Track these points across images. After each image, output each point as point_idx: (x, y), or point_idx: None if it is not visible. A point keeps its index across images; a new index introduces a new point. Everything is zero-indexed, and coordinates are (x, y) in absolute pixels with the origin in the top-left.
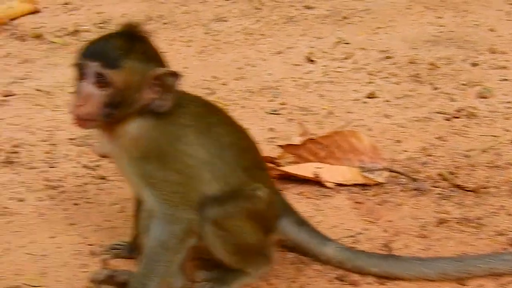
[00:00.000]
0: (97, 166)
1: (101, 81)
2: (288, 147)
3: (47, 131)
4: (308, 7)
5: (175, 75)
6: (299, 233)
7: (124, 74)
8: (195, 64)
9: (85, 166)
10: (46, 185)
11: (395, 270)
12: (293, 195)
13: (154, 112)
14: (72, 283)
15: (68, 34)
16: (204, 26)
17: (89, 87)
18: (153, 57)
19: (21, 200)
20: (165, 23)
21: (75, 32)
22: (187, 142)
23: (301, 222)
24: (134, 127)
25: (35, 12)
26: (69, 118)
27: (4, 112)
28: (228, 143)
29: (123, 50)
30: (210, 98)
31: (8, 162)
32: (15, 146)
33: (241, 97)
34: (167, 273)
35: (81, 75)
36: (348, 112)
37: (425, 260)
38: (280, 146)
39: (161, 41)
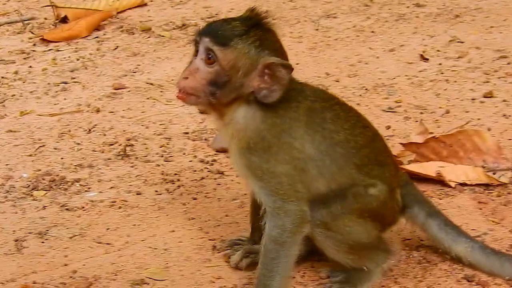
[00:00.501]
0: (214, 160)
1: (210, 57)
2: (409, 145)
3: (161, 124)
4: (418, 5)
5: (288, 67)
6: (429, 225)
7: (233, 54)
8: (306, 60)
9: (201, 161)
10: (163, 179)
11: None
12: None
13: (261, 102)
14: (196, 278)
15: (176, 28)
16: (313, 22)
17: (198, 61)
18: (269, 46)
19: (139, 193)
20: (273, 19)
21: (183, 26)
22: (295, 136)
23: (433, 214)
24: (240, 115)
25: (142, 5)
26: (183, 112)
27: (117, 105)
28: (341, 140)
29: (236, 30)
30: None
31: (124, 155)
32: (129, 139)
33: (356, 94)
34: (287, 269)
35: (195, 51)
36: (466, 112)
37: None
38: (401, 144)
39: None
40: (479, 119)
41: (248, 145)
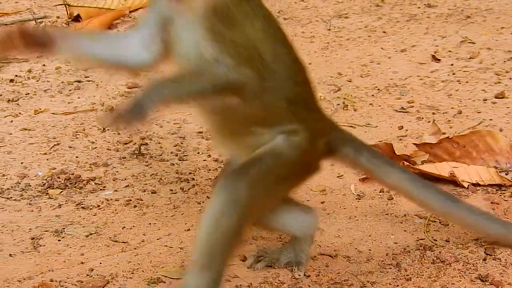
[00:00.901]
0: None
1: None
2: (423, 146)
3: (175, 123)
4: (429, 6)
5: None
6: (359, 161)
7: None
8: (319, 60)
9: (215, 160)
10: (178, 177)
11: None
12: None
13: None
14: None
15: None
16: (325, 22)
17: None
18: None
19: (154, 192)
20: (285, 19)
21: None
22: (255, 25)
23: (361, 149)
24: None
25: None
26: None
27: None
28: (286, 62)
29: None
30: (336, 95)
31: (139, 154)
32: (144, 138)
33: (368, 94)
34: (182, 95)
35: None
36: (478, 112)
37: None
38: (415, 144)
39: None
40: (491, 119)
41: (212, 11)
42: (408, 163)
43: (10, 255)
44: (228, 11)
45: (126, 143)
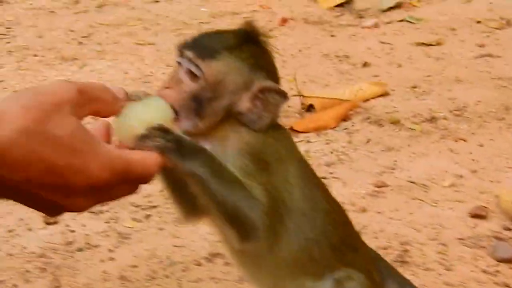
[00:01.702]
0: (497, 271)
1: (193, 71)
2: None
3: (433, 228)
4: None
5: (284, 95)
6: None
7: (219, 68)
8: None
9: (483, 271)
10: None
11: None
12: None
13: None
14: None
15: (424, 121)
16: None
17: (181, 73)
18: (265, 66)
19: None
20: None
21: (432, 119)
22: (290, 170)
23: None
24: (236, 130)
25: (384, 94)
26: (452, 215)
27: (381, 204)
28: (323, 209)
29: (226, 44)
30: None
31: (402, 262)
32: (403, 243)
33: None
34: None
35: (178, 62)
36: None
37: None
38: None
39: None
40: None
41: (244, 152)
42: None
43: None
44: (264, 159)
45: (385, 248)
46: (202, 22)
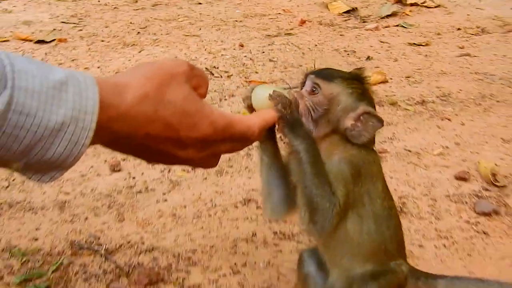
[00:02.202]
0: (477, 222)
1: (314, 90)
2: None
3: (425, 187)
4: None
5: (380, 121)
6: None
7: (335, 89)
8: None
9: (466, 222)
10: (438, 234)
11: None
12: None
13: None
14: None
15: (417, 104)
16: None
17: (303, 91)
18: (368, 98)
19: (421, 246)
20: (498, 101)
21: (423, 102)
22: (375, 186)
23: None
24: (341, 143)
25: (384, 82)
26: (442, 177)
27: (383, 167)
28: (386, 217)
29: (341, 75)
30: None
31: (401, 212)
32: (401, 197)
33: None
34: (307, 166)
35: (302, 85)
36: None
37: None
38: None
39: (499, 117)
40: None
41: (346, 161)
42: None
43: None
44: (359, 167)
45: None
46: (236, 21)
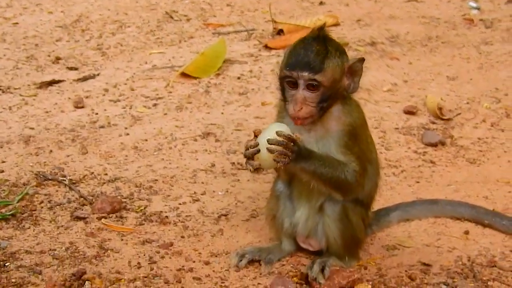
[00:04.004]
0: (425, 152)
1: (313, 85)
2: None
3: (375, 120)
4: None
5: (361, 60)
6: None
7: (328, 73)
8: (477, 77)
9: (415, 152)
10: (388, 164)
11: None
12: None
13: (346, 96)
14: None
15: (367, 45)
16: (475, 47)
17: (303, 92)
18: (342, 51)
19: None
20: (443, 42)
21: (373, 44)
22: (367, 134)
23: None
24: (336, 114)
25: (336, 25)
26: (391, 111)
27: None
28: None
29: (322, 54)
30: (497, 106)
31: None
32: None
33: None
34: (316, 171)
35: (293, 85)
36: None
37: None
38: None
39: (444, 56)
40: None
41: (343, 132)
42: None
43: None
44: (356, 132)
45: None
46: None
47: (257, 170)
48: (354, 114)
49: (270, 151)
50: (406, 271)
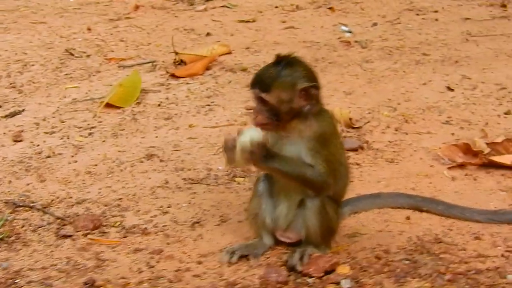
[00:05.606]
0: (348, 156)
1: (262, 101)
2: (491, 144)
3: None
4: (425, 54)
5: (316, 87)
6: None
7: (274, 95)
8: (370, 91)
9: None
10: None
11: None
12: (497, 176)
13: (309, 114)
14: None
15: None
16: (359, 65)
17: (257, 105)
18: (300, 76)
19: None
20: (330, 63)
21: None
22: (338, 139)
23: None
24: (301, 127)
25: (229, 53)
26: None
27: None
28: (344, 163)
29: (272, 77)
30: (395, 114)
31: None
32: None
33: (418, 112)
34: (283, 170)
35: (253, 98)
36: (498, 123)
37: None
38: (486, 143)
39: (335, 75)
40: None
41: (311, 138)
42: (483, 155)
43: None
44: (325, 138)
45: None
46: (75, 8)
47: (230, 164)
48: (325, 124)
49: (242, 150)
50: (371, 253)
